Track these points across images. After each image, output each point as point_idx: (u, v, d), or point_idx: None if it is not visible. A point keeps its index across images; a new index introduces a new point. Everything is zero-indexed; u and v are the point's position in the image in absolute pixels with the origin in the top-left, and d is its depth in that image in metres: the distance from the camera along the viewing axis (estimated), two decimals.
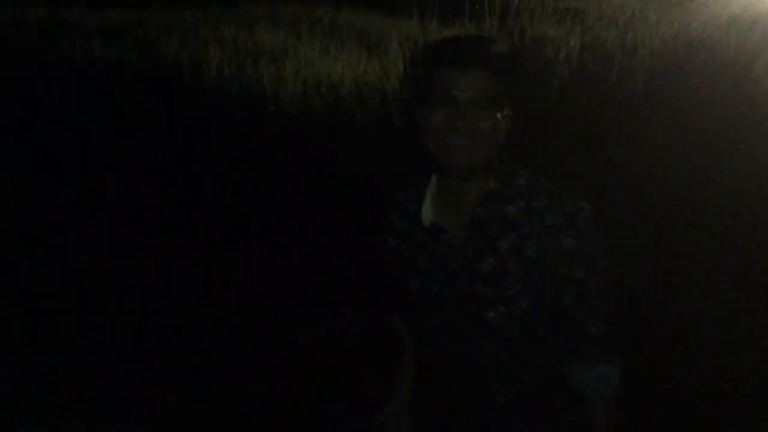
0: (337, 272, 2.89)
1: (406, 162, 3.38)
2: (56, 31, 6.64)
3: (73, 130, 4.28)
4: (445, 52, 1.24)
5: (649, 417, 2.03)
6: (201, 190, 3.70)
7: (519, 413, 1.37)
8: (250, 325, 2.70)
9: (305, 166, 3.70)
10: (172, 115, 4.20)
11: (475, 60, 1.22)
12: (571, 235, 1.26)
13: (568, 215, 1.26)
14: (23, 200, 3.56)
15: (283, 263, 3.05)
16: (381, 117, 3.79)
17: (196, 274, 3.01)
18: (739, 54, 3.07)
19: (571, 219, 1.26)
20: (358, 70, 4.18)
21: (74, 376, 2.41)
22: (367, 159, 3.53)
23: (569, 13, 3.36)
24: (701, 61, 3.05)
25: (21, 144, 4.08)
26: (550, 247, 1.26)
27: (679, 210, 2.70)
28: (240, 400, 2.33)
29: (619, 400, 1.33)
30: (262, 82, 4.18)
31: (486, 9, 3.41)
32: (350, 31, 6.60)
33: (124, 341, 2.60)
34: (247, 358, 2.51)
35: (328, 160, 3.66)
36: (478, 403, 1.40)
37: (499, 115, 1.24)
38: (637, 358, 1.53)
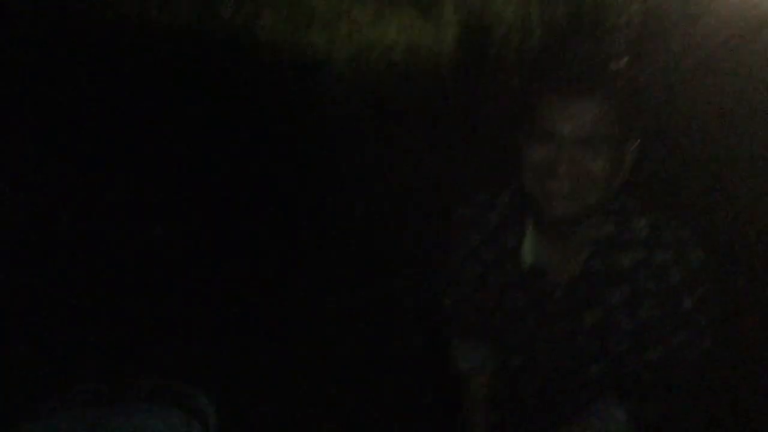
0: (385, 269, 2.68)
1: (460, 130, 3.41)
2: None
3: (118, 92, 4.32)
4: (548, 75, 1.03)
5: None
6: (250, 157, 3.73)
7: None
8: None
9: (357, 132, 3.72)
10: (226, 79, 4.25)
11: (584, 86, 0.98)
12: (694, 297, 1.08)
13: (693, 274, 1.08)
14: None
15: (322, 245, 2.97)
16: (434, 82, 3.80)
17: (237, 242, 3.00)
18: None
19: (697, 278, 1.08)
20: (412, 34, 4.16)
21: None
22: (419, 126, 3.55)
23: None
24: None
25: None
26: (668, 310, 1.09)
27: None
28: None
29: None
30: (316, 45, 4.20)
31: None
32: None
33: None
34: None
35: (379, 128, 3.66)
36: (544, 414, 1.28)
37: (615, 154, 1.02)
38: None
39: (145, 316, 2.49)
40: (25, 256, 2.77)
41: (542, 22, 3.34)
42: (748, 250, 2.43)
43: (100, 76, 4.23)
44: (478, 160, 2.60)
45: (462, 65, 3.66)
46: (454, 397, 1.41)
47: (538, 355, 1.21)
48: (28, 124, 3.50)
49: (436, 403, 1.81)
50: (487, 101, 3.17)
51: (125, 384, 0.76)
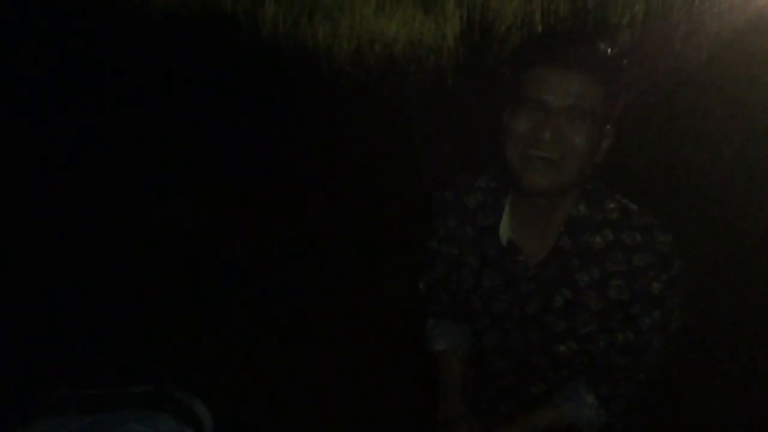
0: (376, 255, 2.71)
1: (459, 124, 3.39)
2: None
3: (125, 82, 4.31)
4: (540, 49, 1.05)
5: None
6: (251, 149, 3.72)
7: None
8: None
9: (356, 125, 3.71)
10: (226, 70, 4.23)
11: (575, 60, 1.01)
12: (661, 281, 1.11)
13: (661, 258, 1.10)
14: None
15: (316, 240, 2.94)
16: (435, 78, 3.78)
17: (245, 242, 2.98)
18: None
19: (665, 263, 1.10)
20: (414, 29, 4.15)
21: None
22: (419, 120, 3.53)
23: None
24: None
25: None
26: (636, 292, 1.12)
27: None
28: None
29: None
30: (317, 38, 4.19)
31: None
32: None
33: None
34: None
35: (380, 121, 3.65)
36: (514, 395, 1.31)
37: (595, 131, 1.05)
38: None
39: (139, 320, 2.48)
40: (22, 259, 2.76)
41: (545, 19, 3.32)
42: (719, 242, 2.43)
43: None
44: (462, 147, 2.62)
45: (462, 61, 3.64)
46: (429, 377, 1.42)
47: (510, 335, 1.23)
48: None
49: (412, 384, 1.82)
50: (485, 95, 3.15)
51: (117, 390, 0.73)
